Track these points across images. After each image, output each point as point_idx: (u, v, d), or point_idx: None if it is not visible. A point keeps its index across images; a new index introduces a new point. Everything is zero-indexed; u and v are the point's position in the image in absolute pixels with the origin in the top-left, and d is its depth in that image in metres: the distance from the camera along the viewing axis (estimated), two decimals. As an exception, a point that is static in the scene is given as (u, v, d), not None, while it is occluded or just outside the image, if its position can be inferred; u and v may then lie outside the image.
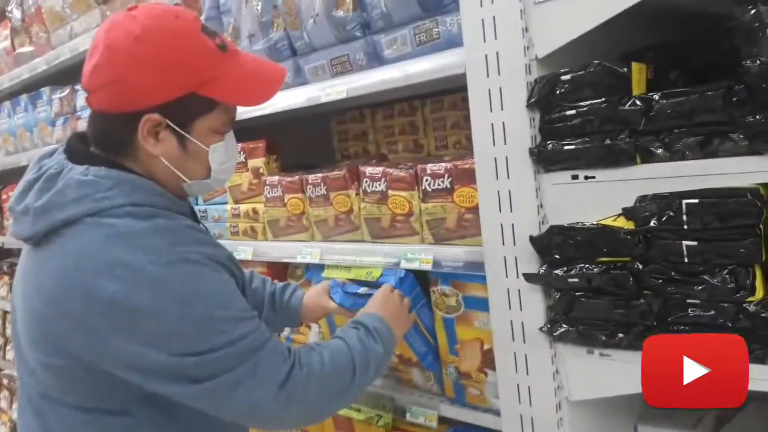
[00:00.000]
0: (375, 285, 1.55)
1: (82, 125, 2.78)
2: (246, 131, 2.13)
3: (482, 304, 1.42)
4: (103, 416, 1.11)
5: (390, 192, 1.60)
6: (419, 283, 1.58)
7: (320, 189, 1.79)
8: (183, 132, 1.13)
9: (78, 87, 2.82)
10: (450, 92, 1.83)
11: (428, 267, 1.49)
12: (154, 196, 1.13)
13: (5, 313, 4.02)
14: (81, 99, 2.80)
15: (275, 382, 1.08)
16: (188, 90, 1.10)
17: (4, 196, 3.60)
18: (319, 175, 1.79)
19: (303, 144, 2.31)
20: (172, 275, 1.04)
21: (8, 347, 4.06)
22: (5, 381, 4.03)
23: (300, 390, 1.11)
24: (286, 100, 1.80)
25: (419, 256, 1.52)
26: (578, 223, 1.19)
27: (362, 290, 1.55)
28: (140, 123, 1.10)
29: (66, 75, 2.95)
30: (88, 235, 1.05)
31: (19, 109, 3.25)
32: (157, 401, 1.10)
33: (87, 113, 2.72)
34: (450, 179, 1.46)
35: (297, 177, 1.87)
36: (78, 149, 1.16)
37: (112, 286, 1.01)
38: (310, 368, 1.13)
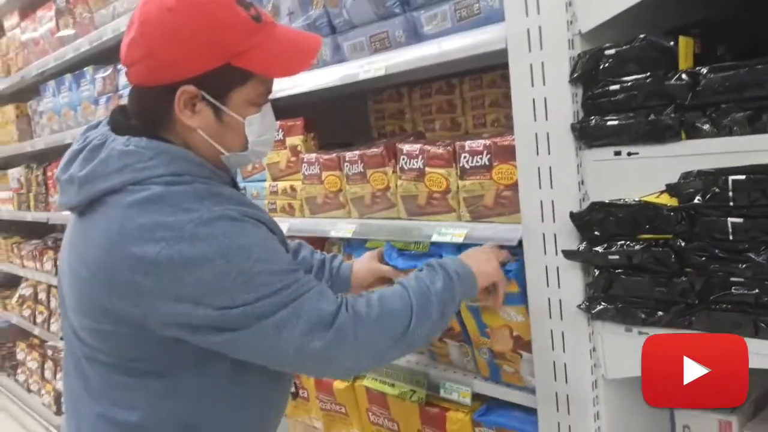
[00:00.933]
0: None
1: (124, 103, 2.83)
2: (283, 109, 2.15)
3: (505, 298, 1.41)
4: (147, 379, 1.15)
5: (427, 169, 1.60)
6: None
7: (357, 166, 1.80)
8: (218, 104, 1.15)
9: (120, 66, 2.88)
10: (489, 70, 1.82)
11: (460, 240, 1.49)
12: (193, 166, 1.15)
13: (50, 287, 4.15)
14: (124, 78, 2.85)
15: (321, 323, 1.09)
16: (223, 61, 1.11)
17: (49, 173, 3.70)
18: (357, 152, 1.80)
19: (339, 122, 2.32)
20: (211, 231, 1.05)
21: (53, 319, 4.20)
22: (50, 352, 4.18)
23: (349, 330, 1.10)
24: (324, 77, 1.81)
25: (453, 231, 1.52)
26: (620, 199, 1.18)
27: (420, 249, 1.56)
28: (176, 95, 1.11)
29: (109, 54, 3.00)
30: (129, 200, 1.08)
31: (64, 88, 3.33)
32: (199, 366, 1.14)
33: (128, 92, 2.78)
34: (489, 156, 1.45)
35: (334, 154, 1.88)
36: (121, 121, 1.19)
37: (154, 248, 1.04)
38: (357, 309, 1.13)
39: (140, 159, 1.11)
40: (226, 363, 1.15)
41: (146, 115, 1.17)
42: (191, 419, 1.18)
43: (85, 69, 3.14)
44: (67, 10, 3.18)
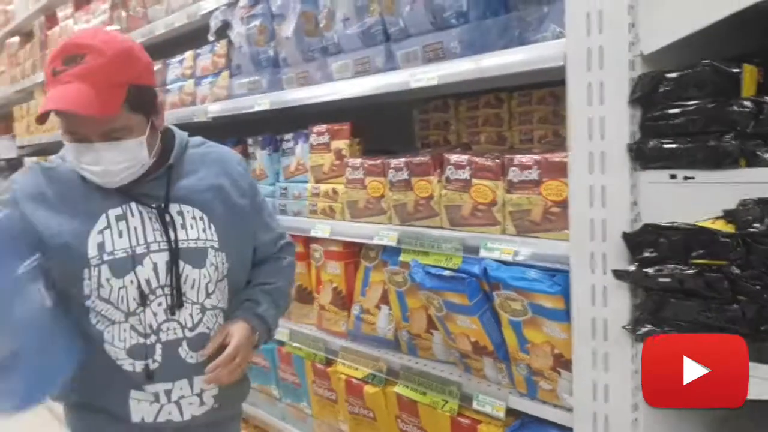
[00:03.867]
0: (457, 271, 1.57)
1: (170, 98, 2.89)
2: (325, 114, 2.18)
3: (550, 313, 1.42)
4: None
5: (474, 180, 1.61)
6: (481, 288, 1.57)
7: (402, 174, 1.81)
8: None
9: (169, 61, 2.94)
10: (540, 86, 1.82)
11: (509, 258, 1.50)
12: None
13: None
14: (171, 73, 2.91)
15: None
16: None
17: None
18: (403, 159, 1.81)
19: (382, 130, 2.34)
20: None
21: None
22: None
23: None
24: (373, 82, 1.83)
25: (499, 246, 1.53)
26: (674, 222, 1.17)
27: (447, 273, 1.56)
28: None
29: (159, 49, 3.07)
30: None
31: (112, 80, 3.40)
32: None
33: (176, 86, 2.83)
34: (539, 171, 1.46)
35: (379, 160, 1.90)
36: None
37: None
38: None
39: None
40: None
41: None
42: None
43: (134, 63, 3.20)
44: (121, 3, 3.25)
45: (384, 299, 1.97)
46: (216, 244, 1.42)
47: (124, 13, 3.24)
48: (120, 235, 1.35)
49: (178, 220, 1.39)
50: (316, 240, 2.15)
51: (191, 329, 1.39)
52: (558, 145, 1.76)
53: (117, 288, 1.34)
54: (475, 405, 1.64)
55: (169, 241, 1.37)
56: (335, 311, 2.14)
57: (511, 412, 1.60)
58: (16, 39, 5.16)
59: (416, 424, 1.82)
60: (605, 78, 1.25)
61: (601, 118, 1.26)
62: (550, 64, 1.36)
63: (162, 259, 1.37)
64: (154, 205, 1.38)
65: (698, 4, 1.14)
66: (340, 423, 2.14)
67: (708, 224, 1.13)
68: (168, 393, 1.39)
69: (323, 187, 2.11)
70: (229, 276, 1.45)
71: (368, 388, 1.95)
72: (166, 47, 3.03)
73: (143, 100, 1.32)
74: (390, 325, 1.96)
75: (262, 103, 2.26)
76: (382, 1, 1.78)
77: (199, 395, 1.42)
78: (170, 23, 2.78)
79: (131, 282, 1.34)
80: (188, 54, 2.79)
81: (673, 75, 1.18)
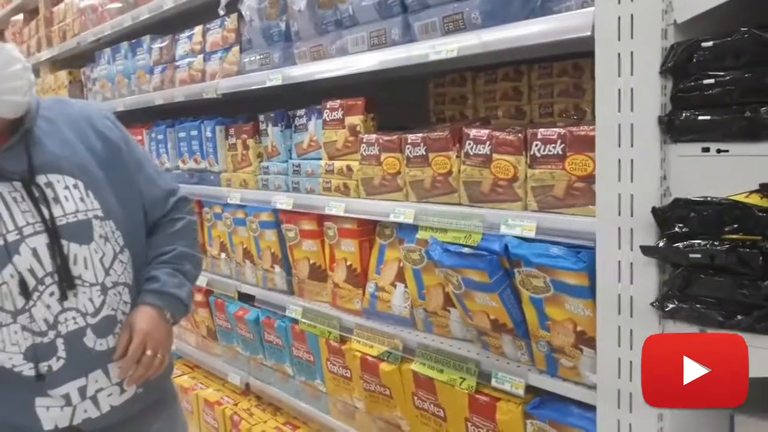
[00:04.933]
0: (476, 249, 1.54)
1: (179, 74, 2.84)
2: (338, 88, 2.14)
3: (573, 290, 1.40)
4: None
5: (494, 155, 1.58)
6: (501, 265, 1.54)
7: (419, 149, 1.78)
8: None
9: (178, 36, 2.89)
10: (560, 58, 1.78)
11: (531, 234, 1.47)
12: None
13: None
14: (180, 49, 2.86)
15: None
16: None
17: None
18: (420, 135, 1.78)
19: (395, 105, 2.30)
20: None
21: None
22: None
23: None
24: (391, 55, 1.79)
25: (521, 222, 1.50)
26: (706, 197, 1.14)
27: (466, 250, 1.54)
28: None
29: (167, 24, 3.02)
30: None
31: (119, 56, 3.36)
32: None
33: (185, 62, 2.79)
34: (563, 145, 1.42)
35: (395, 136, 1.86)
36: None
37: None
38: None
39: None
40: None
41: None
42: None
43: (142, 38, 3.16)
44: (127, -23, 3.20)
45: (399, 277, 1.95)
46: (99, 212, 1.28)
47: (131, -12, 3.18)
48: None
49: (49, 194, 1.23)
50: (329, 218, 2.12)
51: (94, 315, 1.27)
52: (579, 119, 1.73)
53: None
54: (493, 382, 1.63)
55: (43, 220, 1.22)
56: (349, 289, 2.12)
57: (530, 389, 1.58)
58: (20, 16, 5.10)
59: (433, 402, 1.81)
60: (636, 48, 1.21)
61: (630, 90, 1.22)
62: (577, 34, 1.32)
63: (41, 242, 1.22)
64: (17, 179, 1.21)
65: (735, -30, 1.09)
66: (354, 400, 2.14)
67: (742, 198, 1.10)
68: (83, 390, 1.28)
69: (337, 164, 2.08)
70: (128, 245, 1.34)
71: (384, 366, 1.94)
72: (175, 22, 2.99)
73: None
74: (406, 302, 1.94)
75: (273, 78, 2.21)
76: (399, -29, 1.74)
77: (119, 384, 1.32)
78: (179, -3, 2.72)
79: (11, 276, 1.19)
80: (197, 29, 2.74)
81: (709, 44, 1.14)
